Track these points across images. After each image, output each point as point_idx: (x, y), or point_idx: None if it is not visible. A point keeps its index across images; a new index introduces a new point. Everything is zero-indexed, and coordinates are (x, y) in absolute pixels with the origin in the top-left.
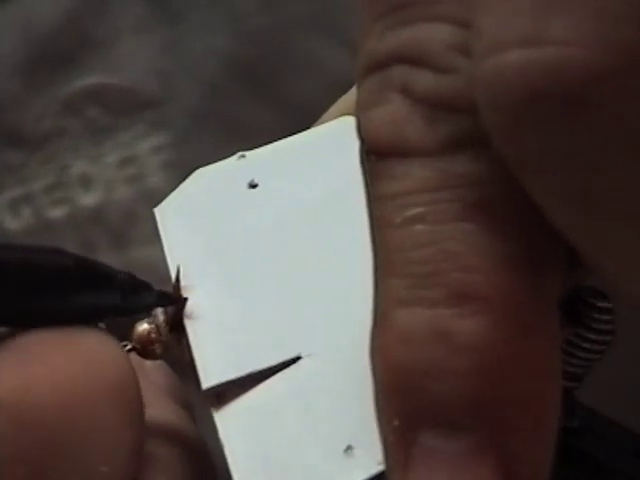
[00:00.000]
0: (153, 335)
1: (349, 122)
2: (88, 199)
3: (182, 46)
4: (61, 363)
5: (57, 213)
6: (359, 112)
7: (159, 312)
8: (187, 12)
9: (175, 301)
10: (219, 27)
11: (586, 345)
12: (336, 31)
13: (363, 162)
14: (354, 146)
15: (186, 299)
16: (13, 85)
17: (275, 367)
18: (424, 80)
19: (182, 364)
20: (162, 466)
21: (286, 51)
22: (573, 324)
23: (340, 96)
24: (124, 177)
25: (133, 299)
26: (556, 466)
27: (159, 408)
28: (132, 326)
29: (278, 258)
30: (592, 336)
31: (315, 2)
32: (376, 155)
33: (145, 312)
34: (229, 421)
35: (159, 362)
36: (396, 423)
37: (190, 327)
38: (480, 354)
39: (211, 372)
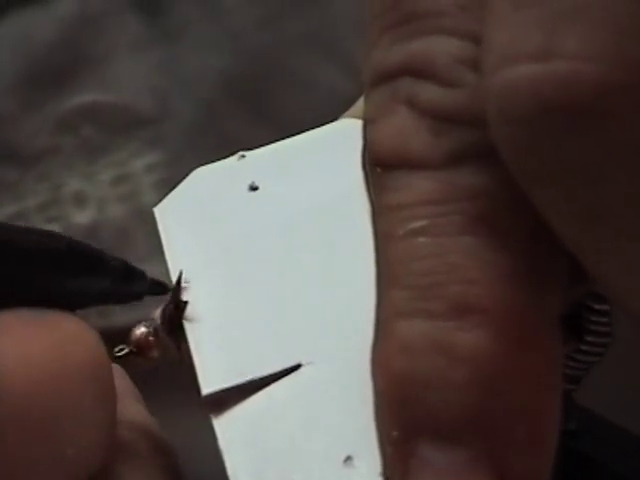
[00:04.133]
0: (151, 338)
1: (351, 124)
2: (82, 217)
3: (178, 64)
4: (33, 341)
5: None
6: (366, 124)
7: (157, 315)
8: (183, 30)
9: (167, 290)
10: (216, 45)
11: (584, 347)
12: (333, 50)
13: (367, 173)
14: (356, 148)
15: (186, 302)
16: (8, 102)
17: (275, 375)
18: (430, 93)
19: (180, 368)
20: (137, 459)
21: (283, 70)
22: (576, 339)
23: (338, 114)
24: (118, 195)
25: (124, 286)
26: (554, 468)
27: (126, 406)
28: (130, 330)
29: (279, 264)
30: (590, 338)
31: (312, 21)
32: (381, 167)
33: (137, 300)
34: (228, 428)
35: (116, 366)
36: (395, 434)
37: (190, 331)
38: (479, 367)
39: (211, 378)
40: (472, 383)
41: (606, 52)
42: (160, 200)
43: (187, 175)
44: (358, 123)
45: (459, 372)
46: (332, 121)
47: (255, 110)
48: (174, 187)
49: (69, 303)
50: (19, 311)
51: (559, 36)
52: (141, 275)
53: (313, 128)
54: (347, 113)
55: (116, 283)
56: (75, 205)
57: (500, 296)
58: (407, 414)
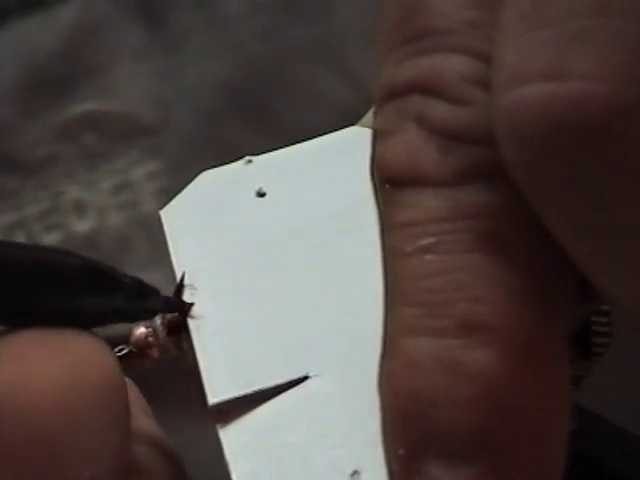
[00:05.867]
0: (150, 339)
1: (360, 132)
2: (82, 225)
3: (179, 73)
4: (48, 364)
5: (51, 239)
6: (375, 140)
7: (157, 316)
8: (184, 39)
9: (181, 308)
10: (216, 54)
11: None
12: (334, 59)
13: (376, 186)
14: (365, 157)
15: (191, 304)
16: (9, 110)
17: (282, 386)
18: (439, 111)
19: (179, 368)
20: (147, 475)
21: (284, 79)
22: (584, 358)
23: (338, 124)
24: (118, 203)
25: (138, 304)
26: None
27: (139, 421)
28: (130, 329)
29: (285, 272)
30: (590, 339)
31: (313, 30)
32: (390, 183)
33: (149, 318)
34: (234, 439)
35: (127, 380)
36: (401, 451)
37: (196, 339)
38: (485, 385)
39: (218, 388)
40: (478, 401)
41: (619, 71)
42: (159, 208)
43: (190, 181)
44: (367, 132)
45: (465, 390)
46: (332, 130)
47: (255, 119)
48: (175, 195)
49: (82, 321)
50: (33, 331)
51: (571, 55)
52: (154, 292)
53: (313, 137)
54: (360, 123)
55: (129, 301)
56: (75, 213)
57: (507, 314)
58: (413, 431)
